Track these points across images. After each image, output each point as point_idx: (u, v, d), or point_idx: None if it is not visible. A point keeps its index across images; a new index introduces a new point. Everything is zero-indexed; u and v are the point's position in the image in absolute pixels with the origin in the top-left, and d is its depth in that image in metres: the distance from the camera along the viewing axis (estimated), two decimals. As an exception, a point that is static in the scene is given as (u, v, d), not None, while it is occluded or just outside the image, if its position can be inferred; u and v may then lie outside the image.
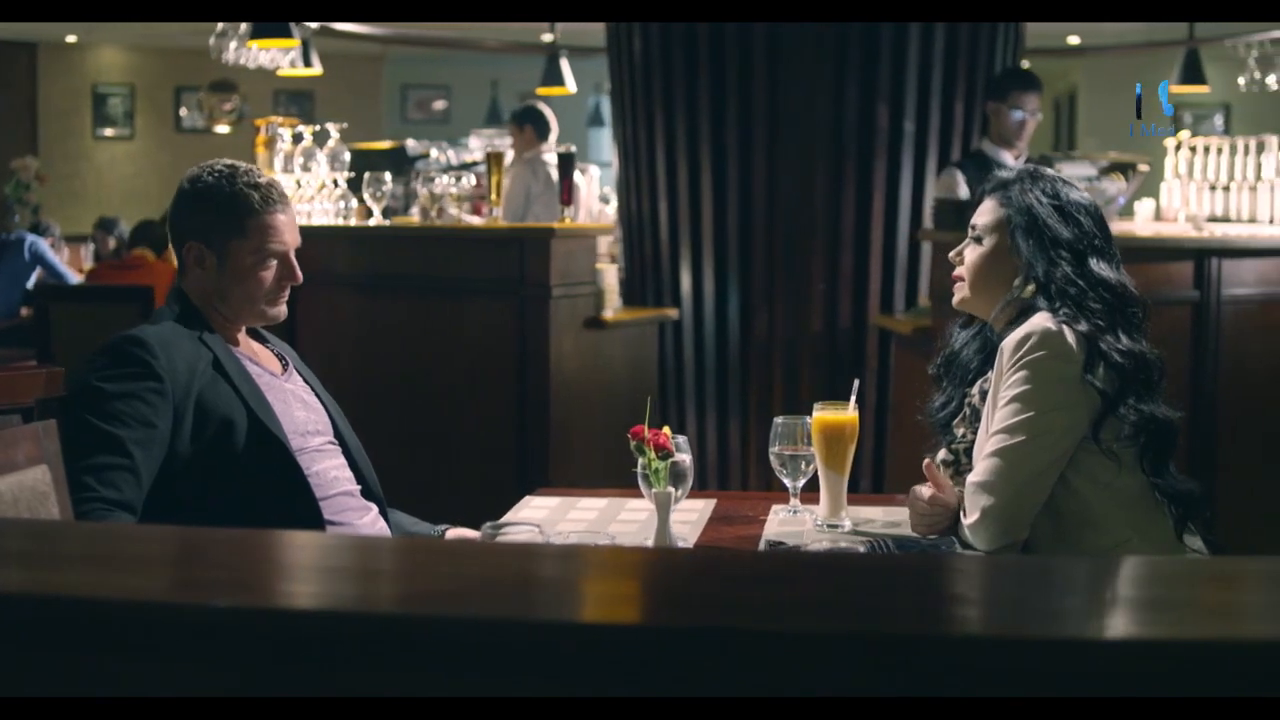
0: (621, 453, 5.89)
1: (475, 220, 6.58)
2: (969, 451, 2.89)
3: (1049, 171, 2.95)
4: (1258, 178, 7.33)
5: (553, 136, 7.70)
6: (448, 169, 7.88)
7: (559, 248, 5.29)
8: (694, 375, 6.84)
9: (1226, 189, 7.48)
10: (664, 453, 2.60)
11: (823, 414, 2.96)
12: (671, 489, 2.62)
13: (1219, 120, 15.04)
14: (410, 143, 8.04)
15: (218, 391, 2.92)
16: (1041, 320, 2.74)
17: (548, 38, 12.22)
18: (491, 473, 5.35)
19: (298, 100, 14.79)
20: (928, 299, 6.19)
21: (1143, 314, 2.84)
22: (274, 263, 3.05)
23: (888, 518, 3.05)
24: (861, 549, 2.15)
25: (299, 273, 3.08)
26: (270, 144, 6.39)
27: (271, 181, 3.12)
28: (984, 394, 2.88)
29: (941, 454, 2.95)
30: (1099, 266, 2.81)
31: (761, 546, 2.74)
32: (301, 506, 2.92)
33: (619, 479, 5.59)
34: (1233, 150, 7.52)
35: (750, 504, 3.18)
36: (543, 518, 3.04)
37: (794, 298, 6.65)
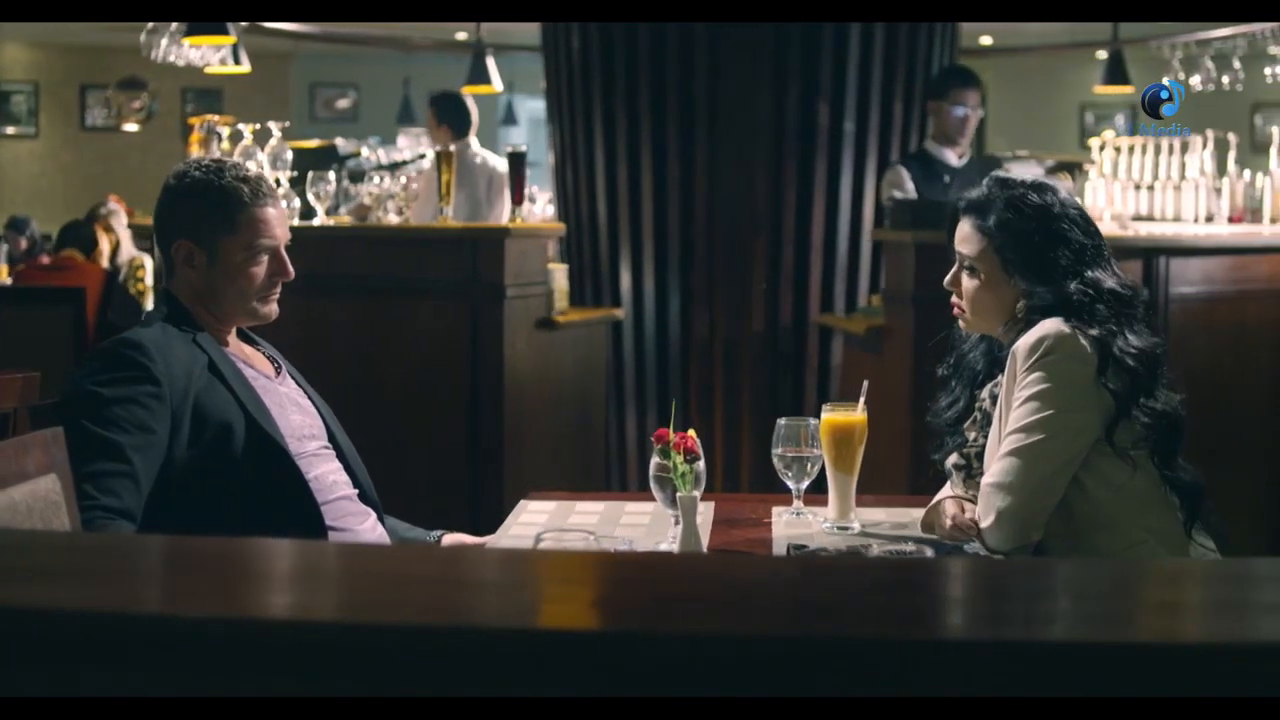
0: (573, 454, 5.87)
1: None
2: (980, 455, 2.89)
3: (1015, 179, 2.94)
4: (1182, 177, 7.44)
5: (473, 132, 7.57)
6: (379, 168, 7.79)
7: (513, 248, 5.24)
8: (634, 375, 6.82)
9: (1151, 188, 7.58)
10: (692, 456, 2.57)
11: (832, 415, 2.95)
12: (696, 493, 2.59)
13: (1121, 120, 15.29)
14: (340, 141, 7.94)
15: (214, 395, 2.85)
16: (1055, 324, 2.74)
17: (462, 36, 12.12)
18: (443, 475, 5.28)
19: (206, 98, 14.57)
20: (875, 298, 6.21)
21: (1142, 306, 2.86)
22: (265, 258, 2.98)
23: (892, 519, 3.04)
24: (929, 552, 2.14)
25: (290, 268, 3.02)
26: (205, 143, 6.25)
27: (260, 175, 3.05)
28: (994, 398, 2.88)
29: (953, 458, 2.95)
30: (1099, 274, 2.81)
31: (784, 550, 2.72)
32: (303, 512, 2.86)
33: (571, 480, 5.60)
34: (1156, 150, 7.63)
35: (750, 506, 3.16)
36: (544, 522, 3.01)
37: (735, 297, 6.65)
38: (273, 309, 3.03)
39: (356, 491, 3.05)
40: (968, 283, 2.92)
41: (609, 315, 6.35)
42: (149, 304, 7.45)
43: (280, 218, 3.01)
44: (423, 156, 7.78)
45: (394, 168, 7.83)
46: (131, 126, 13.76)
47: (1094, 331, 2.72)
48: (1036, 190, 2.86)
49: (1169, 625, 1.29)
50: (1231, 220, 7.08)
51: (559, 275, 5.63)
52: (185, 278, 2.97)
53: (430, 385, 5.31)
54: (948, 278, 2.96)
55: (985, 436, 2.89)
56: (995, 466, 2.73)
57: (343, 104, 16.28)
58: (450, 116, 7.44)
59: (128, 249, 7.61)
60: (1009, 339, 2.88)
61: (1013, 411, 2.74)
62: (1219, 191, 7.26)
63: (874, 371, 5.52)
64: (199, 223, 2.95)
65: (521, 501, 3.24)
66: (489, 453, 5.21)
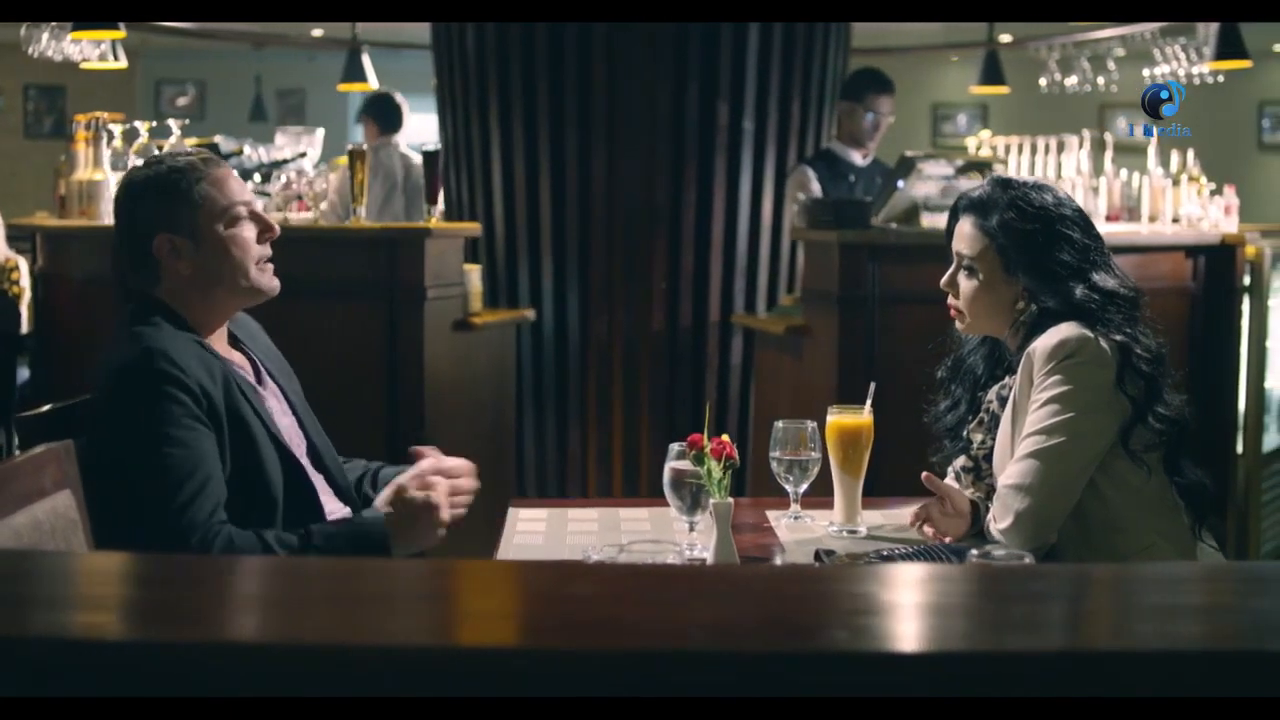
0: (489, 458, 5.78)
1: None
2: (989, 458, 2.89)
3: (1017, 179, 2.95)
4: (1058, 176, 7.57)
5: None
6: (260, 167, 7.60)
7: (432, 248, 5.14)
8: (532, 376, 6.75)
9: (1027, 187, 7.70)
10: (730, 462, 2.52)
11: (839, 418, 2.93)
12: (730, 500, 2.55)
13: (962, 120, 15.59)
14: (219, 139, 7.73)
15: (236, 404, 2.75)
16: (1074, 327, 2.75)
17: (318, 32, 11.89)
18: (362, 482, 5.16)
19: (49, 95, 14.15)
20: (789, 297, 6.23)
21: (1145, 307, 2.88)
22: (245, 216, 2.87)
23: (890, 521, 3.03)
24: (1027, 559, 2.12)
25: (275, 224, 2.91)
26: (94, 141, 6.03)
27: (200, 149, 2.98)
28: (1003, 399, 2.88)
29: (961, 461, 2.95)
30: (1103, 279, 2.83)
31: (813, 556, 2.68)
32: (315, 521, 2.79)
33: (488, 486, 5.49)
34: (1033, 149, 7.76)
35: (744, 510, 3.12)
36: (544, 530, 2.96)
37: (635, 298, 6.61)
38: (274, 281, 2.93)
39: (332, 490, 2.98)
40: (965, 283, 2.91)
41: (520, 316, 6.27)
42: (24, 306, 7.18)
43: (237, 179, 2.93)
44: (304, 155, 7.59)
45: (270, 167, 7.65)
46: (-25, 124, 13.33)
47: (1117, 337, 2.73)
48: (1038, 190, 2.87)
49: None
50: (1109, 219, 7.22)
51: (474, 276, 5.54)
52: (175, 273, 2.84)
53: (347, 390, 5.16)
54: (944, 279, 2.96)
55: (993, 438, 2.89)
56: (1013, 468, 2.73)
57: (182, 101, 15.89)
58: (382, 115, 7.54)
59: (2, 250, 7.34)
60: (1016, 342, 2.88)
61: (1031, 414, 2.74)
62: (1096, 190, 7.40)
63: (794, 373, 5.54)
64: (168, 212, 2.84)
65: (510, 510, 3.19)
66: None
